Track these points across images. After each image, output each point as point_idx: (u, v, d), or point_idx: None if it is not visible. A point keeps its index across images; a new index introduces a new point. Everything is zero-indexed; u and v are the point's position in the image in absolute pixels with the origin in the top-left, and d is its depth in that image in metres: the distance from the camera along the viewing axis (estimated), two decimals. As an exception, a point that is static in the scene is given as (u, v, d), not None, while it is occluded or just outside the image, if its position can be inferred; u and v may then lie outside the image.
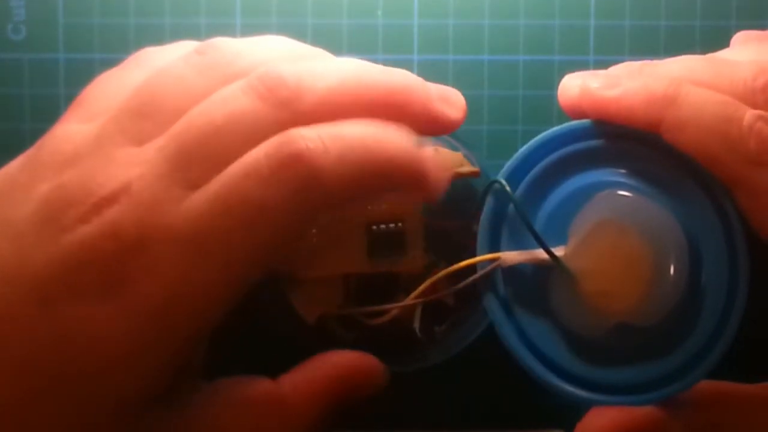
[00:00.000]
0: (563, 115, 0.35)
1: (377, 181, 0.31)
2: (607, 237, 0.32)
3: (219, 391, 0.32)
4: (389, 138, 0.31)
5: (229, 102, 0.31)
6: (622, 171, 0.34)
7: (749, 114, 0.31)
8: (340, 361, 0.33)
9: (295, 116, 0.31)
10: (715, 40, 0.37)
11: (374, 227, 0.34)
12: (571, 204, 0.33)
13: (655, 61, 0.35)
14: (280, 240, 0.30)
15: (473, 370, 0.40)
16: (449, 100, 0.33)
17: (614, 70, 0.35)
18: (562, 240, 0.33)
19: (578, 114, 0.34)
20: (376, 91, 0.32)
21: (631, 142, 0.33)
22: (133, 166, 0.30)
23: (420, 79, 0.33)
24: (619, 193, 0.33)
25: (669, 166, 0.33)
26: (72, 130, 0.32)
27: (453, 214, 0.35)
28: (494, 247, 0.33)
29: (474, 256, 0.33)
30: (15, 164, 0.32)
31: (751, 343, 0.34)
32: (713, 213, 0.33)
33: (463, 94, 0.34)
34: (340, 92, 0.31)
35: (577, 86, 0.34)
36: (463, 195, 0.36)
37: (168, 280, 0.29)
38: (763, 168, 0.31)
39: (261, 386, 0.32)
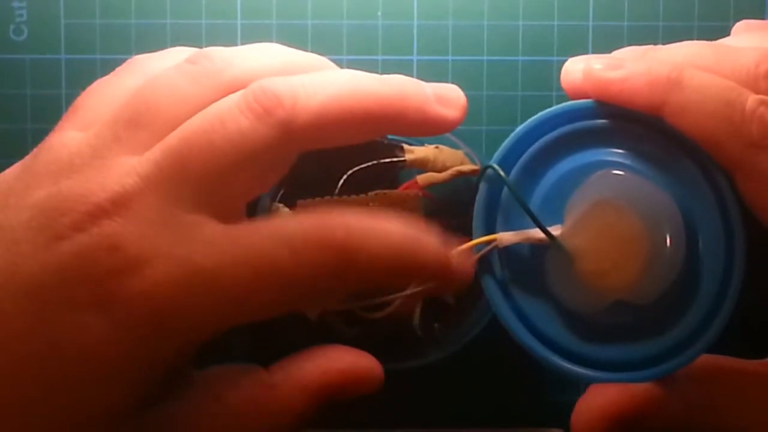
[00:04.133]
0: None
1: (403, 281, 0.32)
2: (603, 216, 0.32)
3: (210, 380, 0.32)
4: (423, 247, 0.31)
5: (227, 122, 0.31)
6: (619, 151, 0.34)
7: (752, 99, 0.31)
8: (336, 357, 0.33)
9: (292, 135, 0.31)
10: (712, 40, 0.37)
11: (375, 225, 0.34)
12: (568, 184, 0.33)
13: (659, 46, 0.35)
14: (291, 303, 0.31)
15: (473, 369, 0.40)
16: (447, 100, 0.33)
17: (618, 53, 0.35)
18: (558, 220, 0.33)
19: (581, 96, 0.34)
20: (371, 103, 0.32)
21: (627, 122, 0.33)
22: (128, 176, 0.30)
23: (416, 83, 0.33)
24: (615, 172, 0.33)
25: (665, 146, 0.33)
26: (67, 137, 0.32)
27: (454, 212, 0.35)
28: (490, 230, 0.33)
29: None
30: (11, 172, 0.32)
31: (747, 322, 0.34)
32: (710, 193, 0.33)
33: (463, 95, 0.34)
34: (336, 107, 0.32)
35: (579, 69, 0.34)
36: (464, 192, 0.36)
37: (161, 306, 0.29)
38: (764, 152, 0.31)
39: (252, 374, 0.32)
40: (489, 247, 0.33)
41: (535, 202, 0.34)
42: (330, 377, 0.32)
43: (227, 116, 0.31)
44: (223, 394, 0.31)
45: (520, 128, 0.34)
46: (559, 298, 0.33)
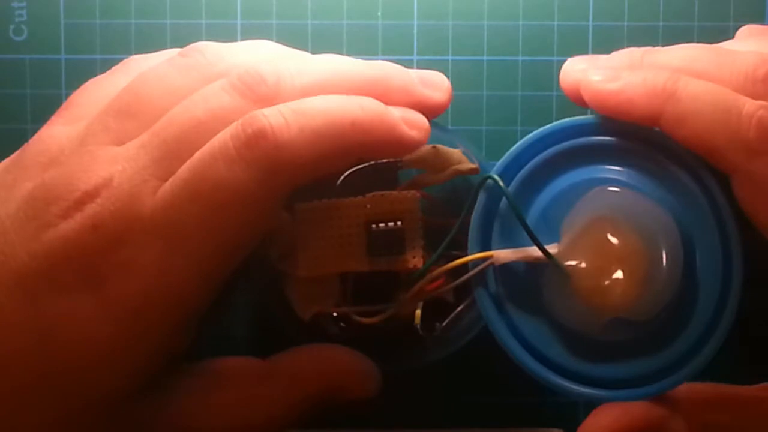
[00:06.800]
0: (562, 115, 0.35)
1: (343, 145, 0.31)
2: (600, 233, 0.32)
3: (203, 370, 0.32)
4: (351, 103, 0.31)
5: (210, 99, 0.31)
6: (616, 167, 0.34)
7: (749, 104, 0.31)
8: (334, 355, 0.33)
9: None
10: (712, 41, 0.37)
11: (374, 226, 0.34)
12: (565, 199, 0.33)
13: (657, 49, 0.35)
14: (253, 221, 0.31)
15: (473, 370, 0.40)
16: (432, 83, 0.34)
17: (616, 57, 0.35)
18: (554, 236, 0.33)
19: (578, 98, 0.34)
20: (354, 83, 0.32)
21: (626, 139, 0.33)
22: (115, 163, 0.31)
23: (400, 67, 0.34)
24: (612, 189, 0.33)
25: (662, 163, 0.33)
26: (57, 131, 0.32)
27: (452, 212, 0.35)
28: (485, 243, 0.33)
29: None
30: (0, 166, 0.33)
31: (747, 342, 0.34)
32: (707, 208, 0.33)
33: (463, 95, 0.34)
34: (319, 86, 0.32)
35: (578, 70, 0.34)
36: (462, 192, 0.36)
37: (144, 274, 0.29)
38: (763, 157, 0.31)
39: (246, 365, 0.32)
40: (484, 265, 0.33)
41: (532, 217, 0.34)
42: (326, 374, 0.32)
43: (210, 94, 0.32)
44: (215, 384, 0.32)
45: (521, 142, 0.34)
46: (556, 316, 0.33)
